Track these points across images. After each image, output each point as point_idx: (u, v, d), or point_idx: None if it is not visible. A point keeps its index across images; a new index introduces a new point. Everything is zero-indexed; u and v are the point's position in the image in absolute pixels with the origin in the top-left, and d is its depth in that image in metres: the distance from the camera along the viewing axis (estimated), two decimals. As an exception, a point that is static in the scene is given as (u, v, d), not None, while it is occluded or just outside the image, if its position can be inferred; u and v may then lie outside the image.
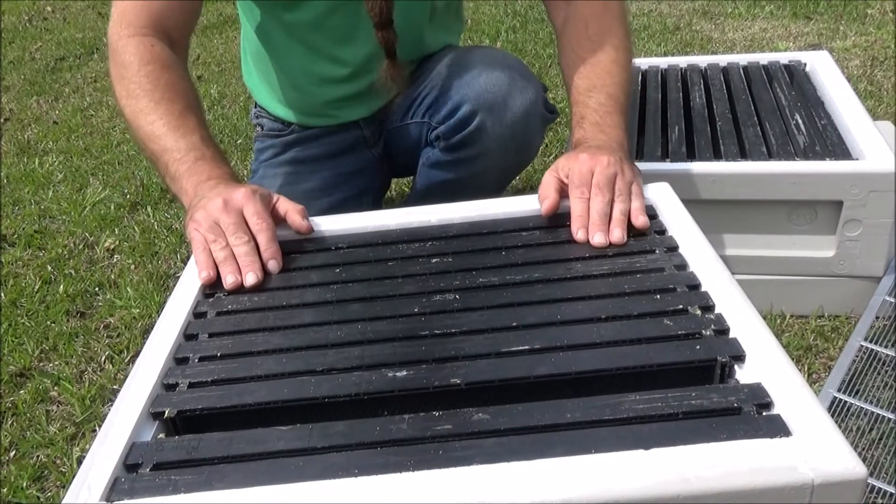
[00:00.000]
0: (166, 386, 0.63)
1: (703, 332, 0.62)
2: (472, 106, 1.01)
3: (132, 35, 0.91)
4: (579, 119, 0.91)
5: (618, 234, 0.75)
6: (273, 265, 0.77)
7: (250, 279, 0.75)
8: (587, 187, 0.78)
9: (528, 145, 1.09)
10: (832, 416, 0.86)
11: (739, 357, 0.59)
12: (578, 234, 0.76)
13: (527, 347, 0.62)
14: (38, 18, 3.46)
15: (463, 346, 0.62)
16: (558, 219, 0.80)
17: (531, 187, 1.57)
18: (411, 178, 1.24)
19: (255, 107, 1.23)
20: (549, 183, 0.81)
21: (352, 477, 0.50)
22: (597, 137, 0.87)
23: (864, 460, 0.49)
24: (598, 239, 0.75)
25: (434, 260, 0.76)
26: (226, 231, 0.76)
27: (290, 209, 0.82)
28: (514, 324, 0.65)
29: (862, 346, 0.99)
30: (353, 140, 1.18)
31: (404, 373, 0.60)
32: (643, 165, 1.06)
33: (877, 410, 0.91)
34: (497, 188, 1.15)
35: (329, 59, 1.08)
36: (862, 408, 0.91)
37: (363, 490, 0.49)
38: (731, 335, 0.61)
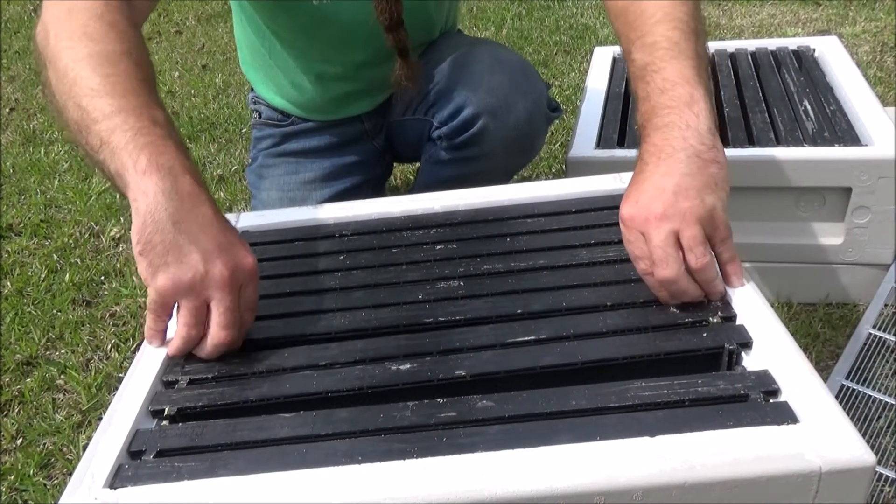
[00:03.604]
0: (166, 383, 0.62)
1: (710, 319, 0.61)
2: (475, 109, 1.00)
3: None
4: (633, 89, 0.70)
5: (715, 297, 0.63)
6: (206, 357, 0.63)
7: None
8: (646, 259, 0.62)
9: (532, 146, 1.08)
10: (840, 403, 0.85)
11: (746, 344, 0.58)
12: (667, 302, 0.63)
13: (532, 338, 0.61)
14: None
15: (468, 337, 0.62)
16: (564, 205, 0.80)
17: (537, 175, 1.56)
18: (416, 163, 1.24)
19: (252, 91, 1.22)
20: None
21: (355, 464, 0.50)
22: (655, 125, 0.64)
23: (871, 448, 0.48)
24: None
25: (438, 247, 0.75)
26: (216, 311, 0.60)
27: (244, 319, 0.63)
28: (520, 311, 0.64)
29: (870, 333, 0.98)
30: (355, 133, 1.17)
31: (408, 366, 0.59)
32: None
33: (884, 398, 0.90)
34: (501, 182, 1.14)
35: (328, 61, 1.07)
36: (869, 395, 0.90)
37: (367, 477, 0.49)
38: (738, 322, 0.61)
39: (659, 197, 0.61)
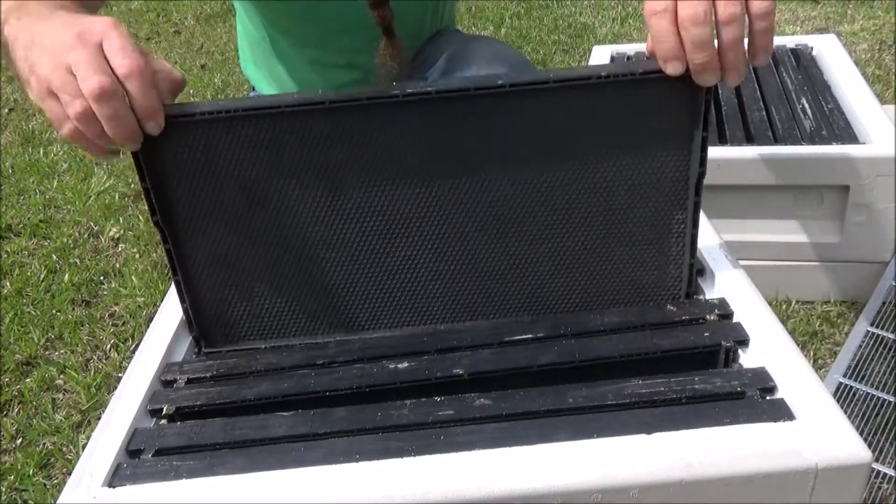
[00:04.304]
0: (164, 382, 0.62)
1: (708, 316, 0.61)
2: None
3: None
4: None
5: (733, 78, 0.54)
6: (152, 127, 0.55)
7: (129, 148, 0.56)
8: None
9: None
10: (838, 401, 0.85)
11: (743, 341, 0.58)
12: (668, 68, 0.54)
13: (530, 336, 0.61)
14: (42, 8, 3.45)
15: (465, 335, 0.62)
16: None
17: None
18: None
19: (253, 91, 1.23)
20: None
21: (353, 462, 0.50)
22: None
23: (868, 445, 0.49)
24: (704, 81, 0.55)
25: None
26: (77, 72, 0.53)
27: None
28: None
29: (868, 331, 0.98)
30: None
31: (406, 364, 0.60)
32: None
33: (882, 395, 0.90)
34: None
35: (324, 47, 1.08)
36: (868, 393, 0.90)
37: (365, 475, 0.49)
38: (736, 319, 0.61)
39: None
